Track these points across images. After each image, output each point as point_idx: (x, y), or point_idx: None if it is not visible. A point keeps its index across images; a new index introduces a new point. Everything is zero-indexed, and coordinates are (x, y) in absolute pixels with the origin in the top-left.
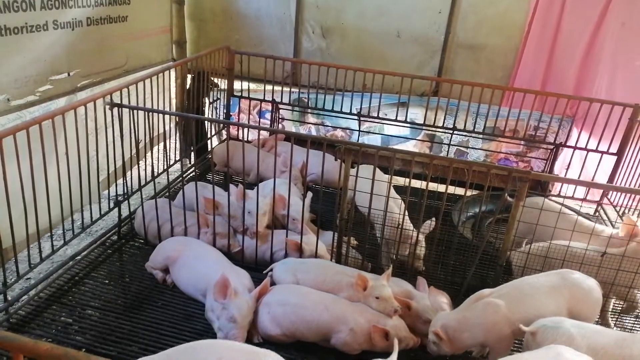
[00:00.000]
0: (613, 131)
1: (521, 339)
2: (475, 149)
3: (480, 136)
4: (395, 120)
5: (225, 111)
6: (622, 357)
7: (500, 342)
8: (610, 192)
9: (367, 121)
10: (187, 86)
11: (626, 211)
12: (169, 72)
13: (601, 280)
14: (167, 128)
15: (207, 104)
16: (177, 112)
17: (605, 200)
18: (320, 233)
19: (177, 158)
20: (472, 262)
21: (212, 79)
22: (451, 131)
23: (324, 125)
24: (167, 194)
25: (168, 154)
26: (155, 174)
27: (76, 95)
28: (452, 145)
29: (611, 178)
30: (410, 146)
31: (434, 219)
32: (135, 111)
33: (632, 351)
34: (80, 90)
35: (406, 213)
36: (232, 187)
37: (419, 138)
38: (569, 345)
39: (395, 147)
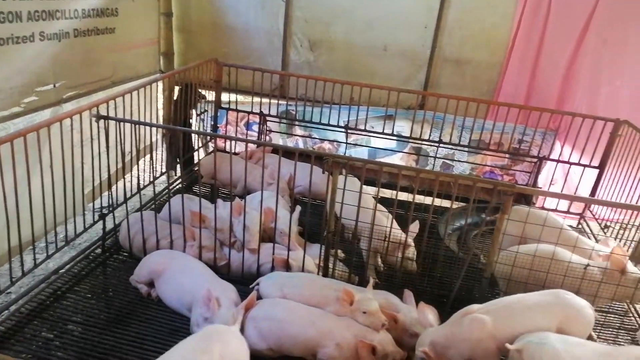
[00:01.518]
0: (595, 145)
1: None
2: (461, 161)
3: (466, 149)
4: (382, 133)
5: (212, 123)
6: None
7: (485, 358)
8: (593, 205)
9: (354, 133)
10: (175, 98)
11: (608, 224)
12: (157, 84)
13: (583, 292)
14: (153, 140)
15: (194, 116)
16: (164, 125)
17: (587, 214)
18: (308, 246)
19: (164, 170)
20: (458, 275)
21: (200, 91)
22: (437, 144)
23: (312, 138)
24: (152, 206)
25: (154, 166)
26: (141, 186)
27: (62, 107)
28: (438, 158)
29: (593, 191)
30: (396, 159)
31: (417, 222)
32: (121, 123)
33: None
34: (66, 101)
35: (394, 224)
36: (219, 200)
37: (405, 151)
38: (554, 359)
39: (382, 159)
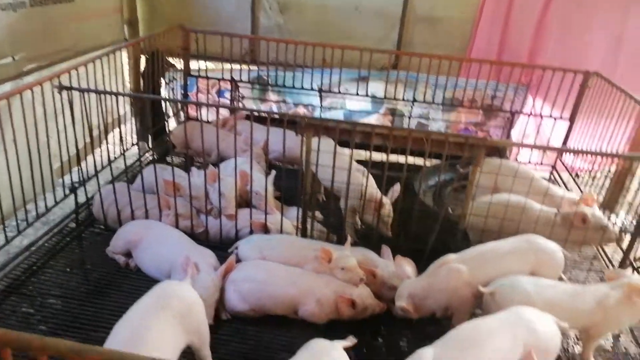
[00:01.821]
0: (565, 98)
1: None
2: (436, 120)
3: (440, 107)
4: (357, 94)
5: (182, 92)
6: (575, 308)
7: (462, 305)
8: (564, 155)
9: (328, 96)
10: (142, 68)
11: (579, 174)
12: (121, 52)
13: (554, 238)
14: (122, 113)
15: (163, 85)
16: (131, 93)
17: (559, 165)
18: (285, 209)
19: (135, 141)
20: (433, 229)
21: (168, 59)
22: (411, 103)
23: (286, 103)
24: (125, 178)
25: (124, 137)
26: (112, 159)
27: (22, 80)
28: (413, 117)
29: (564, 142)
30: (372, 120)
31: (397, 184)
32: (86, 94)
33: (584, 301)
34: (27, 74)
35: (370, 179)
36: (193, 169)
37: (380, 112)
38: (526, 300)
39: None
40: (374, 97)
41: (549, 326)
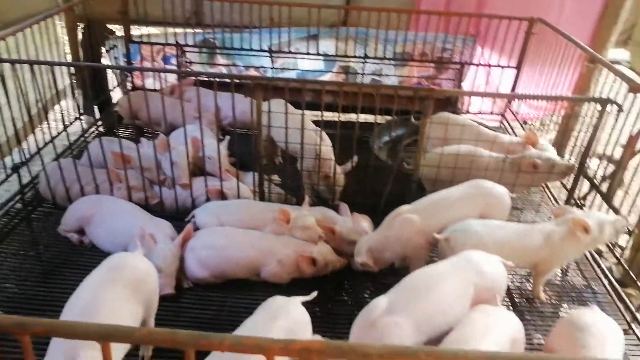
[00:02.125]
0: (512, 46)
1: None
2: (389, 75)
3: (393, 62)
4: (307, 53)
5: (125, 60)
6: (523, 245)
7: (417, 253)
8: (513, 104)
9: (279, 57)
10: (80, 37)
11: (528, 122)
12: (53, 21)
13: (504, 183)
14: (61, 85)
15: (105, 55)
16: (69, 62)
17: (510, 116)
18: (242, 175)
19: (79, 115)
20: (387, 182)
21: (108, 26)
22: (363, 60)
23: (236, 66)
24: (71, 153)
25: (67, 111)
26: (55, 134)
27: None
28: (366, 74)
29: (512, 91)
30: (326, 79)
31: (355, 157)
32: (19, 67)
33: (532, 239)
34: None
35: (325, 138)
36: (143, 139)
37: (334, 70)
38: (478, 243)
39: None
40: (325, 55)
41: (496, 266)
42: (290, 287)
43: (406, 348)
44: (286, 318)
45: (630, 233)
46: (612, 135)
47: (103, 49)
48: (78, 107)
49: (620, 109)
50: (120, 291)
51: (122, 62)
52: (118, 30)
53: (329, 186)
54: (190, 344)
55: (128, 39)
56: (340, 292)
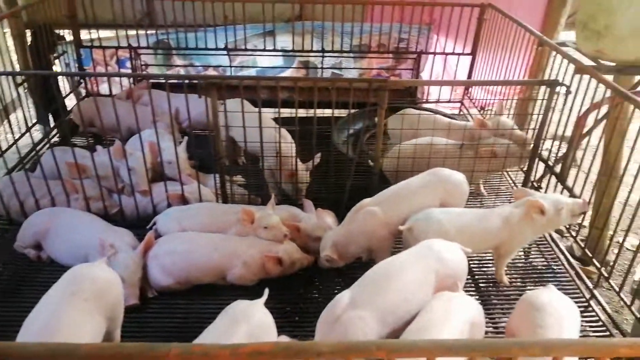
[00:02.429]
0: (465, 32)
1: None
2: (349, 68)
3: (351, 55)
4: (264, 49)
5: (77, 65)
6: (483, 229)
7: (381, 245)
8: (470, 90)
9: (237, 55)
10: (29, 44)
11: (485, 107)
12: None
13: (463, 169)
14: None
15: (55, 61)
16: (17, 72)
17: (467, 101)
18: (205, 177)
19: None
20: (348, 175)
21: (57, 31)
22: (321, 54)
23: (194, 66)
24: (24, 166)
25: (18, 122)
26: (4, 148)
27: None
28: (326, 68)
29: (469, 77)
30: (286, 75)
31: (319, 154)
32: None
33: (492, 222)
34: None
35: (286, 135)
36: (98, 147)
37: (294, 66)
38: (440, 230)
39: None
40: (283, 51)
41: (456, 253)
42: (258, 289)
43: (358, 343)
44: (248, 322)
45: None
46: (564, 116)
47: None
48: (25, 119)
49: (568, 91)
50: (82, 305)
51: (73, 67)
52: (67, 35)
53: (293, 184)
54: (137, 356)
55: (78, 43)
56: (310, 289)
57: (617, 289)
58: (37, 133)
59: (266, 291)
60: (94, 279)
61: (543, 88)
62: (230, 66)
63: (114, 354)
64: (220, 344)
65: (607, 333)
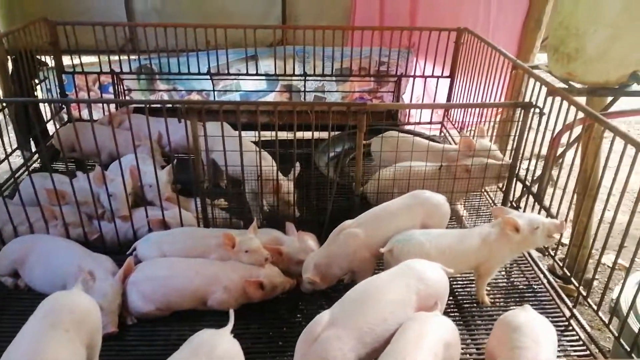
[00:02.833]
0: (444, 56)
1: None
2: (332, 92)
3: (334, 79)
4: (247, 74)
5: (58, 91)
6: (463, 250)
7: (362, 266)
8: (451, 111)
9: (220, 79)
10: (10, 71)
11: (465, 129)
12: None
13: (442, 190)
14: None
15: (37, 87)
16: None
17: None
18: (186, 201)
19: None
20: (330, 198)
21: (39, 57)
22: (303, 78)
23: (177, 90)
24: (2, 193)
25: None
26: None
27: None
28: (309, 91)
29: (448, 99)
30: (270, 100)
31: (297, 163)
32: None
33: (471, 242)
34: None
35: (266, 158)
36: (79, 173)
37: (277, 89)
38: (421, 251)
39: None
40: (266, 75)
41: (437, 273)
42: (241, 313)
43: None
44: (209, 355)
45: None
46: (540, 137)
47: (35, 81)
48: (4, 145)
49: (541, 112)
50: (62, 336)
51: (55, 93)
52: (50, 60)
53: (282, 200)
54: None
55: (60, 69)
56: (294, 313)
57: (595, 308)
58: (17, 159)
59: (232, 317)
60: (73, 308)
61: (518, 110)
62: (214, 90)
63: None
64: None
65: (587, 352)
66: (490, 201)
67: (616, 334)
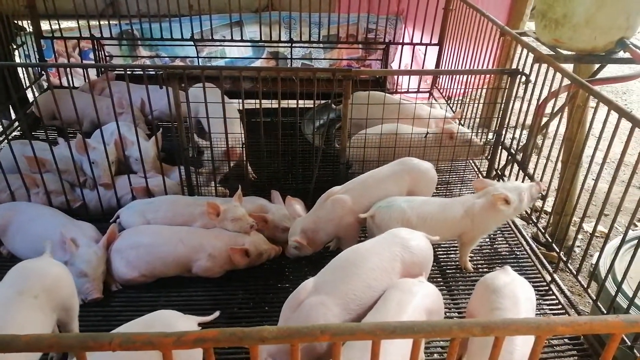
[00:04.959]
0: (432, 23)
1: None
2: (319, 59)
3: (321, 46)
4: (232, 40)
5: (37, 56)
6: (444, 219)
7: (348, 232)
8: (438, 80)
9: (204, 46)
10: None
11: (452, 97)
12: None
13: (427, 157)
14: None
15: (15, 52)
16: None
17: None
18: (171, 170)
19: None
20: (315, 165)
21: (17, 22)
22: (290, 44)
23: (160, 57)
24: None
25: None
26: None
27: None
28: (295, 59)
29: (437, 67)
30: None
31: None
32: None
33: (454, 211)
34: None
35: (235, 126)
36: (60, 140)
37: (263, 56)
38: (402, 217)
39: None
40: (252, 41)
41: (421, 241)
42: (226, 279)
43: (302, 327)
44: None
45: (544, 197)
46: (526, 105)
47: (13, 46)
48: None
49: (528, 79)
50: (31, 302)
51: (33, 59)
52: (28, 25)
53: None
54: (77, 346)
55: (38, 34)
56: (280, 279)
57: (575, 273)
58: None
59: (215, 314)
60: (42, 275)
61: (505, 77)
62: (198, 57)
63: (53, 344)
64: (165, 332)
65: (566, 316)
66: (476, 169)
67: (594, 297)
